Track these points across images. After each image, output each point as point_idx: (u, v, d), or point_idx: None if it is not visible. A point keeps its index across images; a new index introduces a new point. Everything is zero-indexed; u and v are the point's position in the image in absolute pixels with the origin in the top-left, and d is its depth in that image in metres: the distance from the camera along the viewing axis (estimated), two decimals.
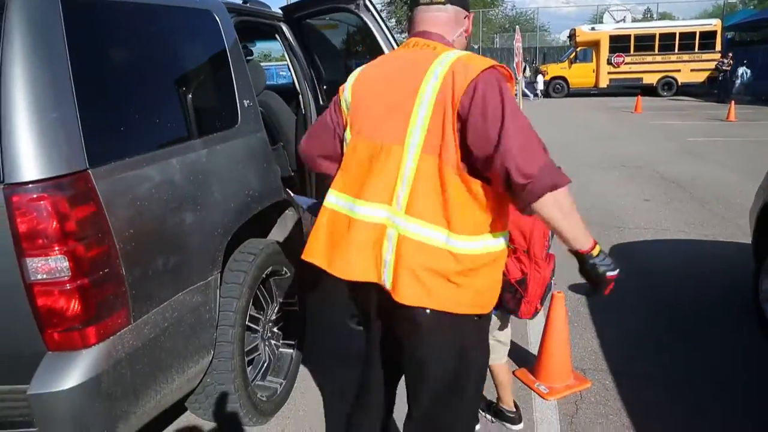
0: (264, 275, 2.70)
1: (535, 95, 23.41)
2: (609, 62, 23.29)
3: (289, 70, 4.05)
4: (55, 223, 1.66)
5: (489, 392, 2.63)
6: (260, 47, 10.39)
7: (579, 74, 23.89)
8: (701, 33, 22.71)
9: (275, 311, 2.95)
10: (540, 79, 23.93)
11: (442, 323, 1.60)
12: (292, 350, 3.04)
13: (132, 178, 1.94)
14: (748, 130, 12.57)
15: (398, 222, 1.55)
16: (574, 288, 4.18)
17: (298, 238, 3.18)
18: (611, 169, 8.63)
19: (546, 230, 2.32)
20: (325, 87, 4.02)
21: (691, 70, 22.72)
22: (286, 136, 3.98)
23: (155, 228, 2.04)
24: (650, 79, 23.11)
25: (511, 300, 2.38)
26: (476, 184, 1.52)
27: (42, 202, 1.64)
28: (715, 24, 23.21)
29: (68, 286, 1.70)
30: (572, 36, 25.42)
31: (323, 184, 3.21)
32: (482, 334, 1.81)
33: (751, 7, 36.17)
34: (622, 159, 9.41)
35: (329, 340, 3.56)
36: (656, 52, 22.99)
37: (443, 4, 1.70)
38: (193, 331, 2.24)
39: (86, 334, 1.76)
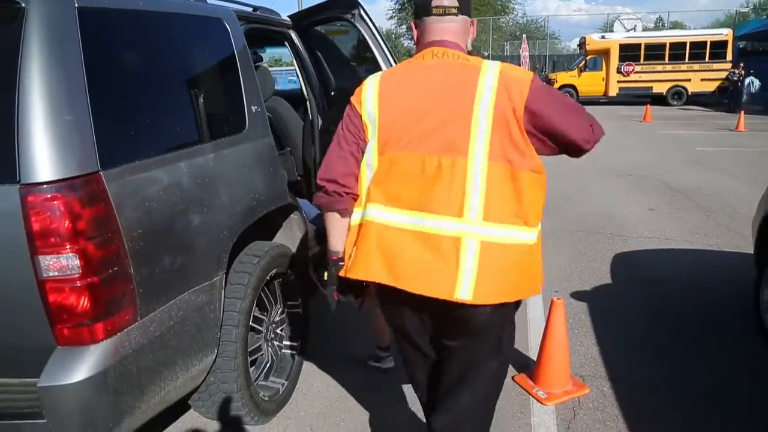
0: (268, 277, 2.76)
1: None
2: (619, 71, 23.23)
3: (297, 77, 4.12)
4: (67, 222, 1.73)
5: None
6: (270, 52, 10.49)
7: (589, 82, 23.85)
8: (712, 42, 22.62)
9: (279, 313, 3.01)
10: None
11: (499, 315, 1.74)
12: (294, 351, 3.10)
13: (142, 180, 2.01)
14: (757, 141, 12.53)
15: (477, 231, 1.61)
16: (576, 296, 4.22)
17: (304, 242, 3.25)
18: (617, 178, 8.64)
19: None
20: (333, 93, 4.08)
21: (702, 80, 22.62)
22: (294, 141, 4.05)
23: (163, 229, 2.10)
24: (660, 89, 23.04)
25: None
26: (544, 176, 1.70)
27: (55, 202, 1.71)
28: (726, 33, 23.11)
29: (79, 284, 1.77)
30: (582, 44, 25.38)
31: None
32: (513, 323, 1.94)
33: (764, 16, 35.98)
34: (628, 168, 9.42)
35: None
36: (666, 61, 22.93)
37: (456, 15, 1.76)
38: (197, 329, 2.30)
39: (95, 330, 1.82)
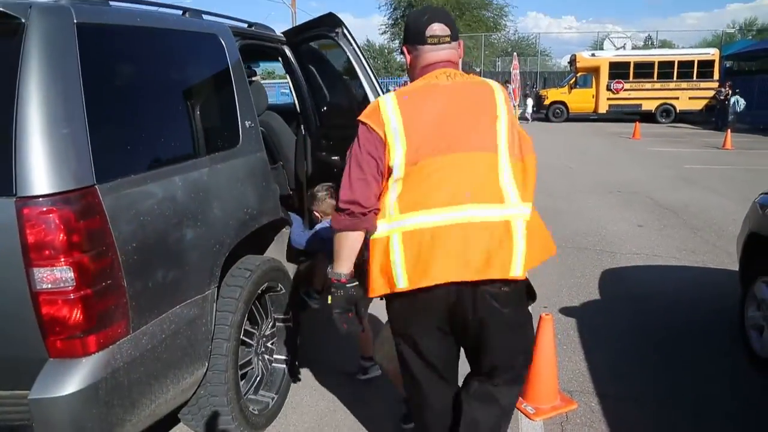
0: (259, 291, 2.78)
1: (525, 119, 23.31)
2: (608, 88, 23.53)
3: (291, 92, 4.17)
4: (62, 235, 1.74)
5: None
6: (264, 65, 10.57)
7: (579, 99, 24.12)
8: (700, 62, 23.01)
9: (269, 326, 3.02)
10: (529, 102, 24.04)
11: (521, 289, 1.93)
12: (284, 365, 3.11)
13: (136, 193, 2.03)
14: (743, 159, 12.72)
15: (521, 211, 1.85)
16: (565, 311, 4.26)
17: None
18: (606, 195, 8.74)
19: None
20: (324, 109, 4.13)
21: (690, 98, 22.97)
22: (286, 155, 4.08)
23: (156, 242, 2.12)
24: (649, 106, 23.35)
25: None
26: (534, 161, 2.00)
27: (51, 215, 1.73)
28: (713, 53, 23.52)
29: (72, 296, 1.78)
30: (573, 62, 25.69)
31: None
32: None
33: (750, 37, 36.69)
34: (617, 184, 9.53)
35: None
36: (655, 79, 23.27)
37: (449, 42, 1.97)
38: (189, 343, 2.31)
39: (87, 343, 1.83)
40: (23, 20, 1.80)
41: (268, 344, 3.03)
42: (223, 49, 2.82)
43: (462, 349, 2.05)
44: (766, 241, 3.50)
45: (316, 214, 3.39)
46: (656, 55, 24.82)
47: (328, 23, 3.70)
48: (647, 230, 6.66)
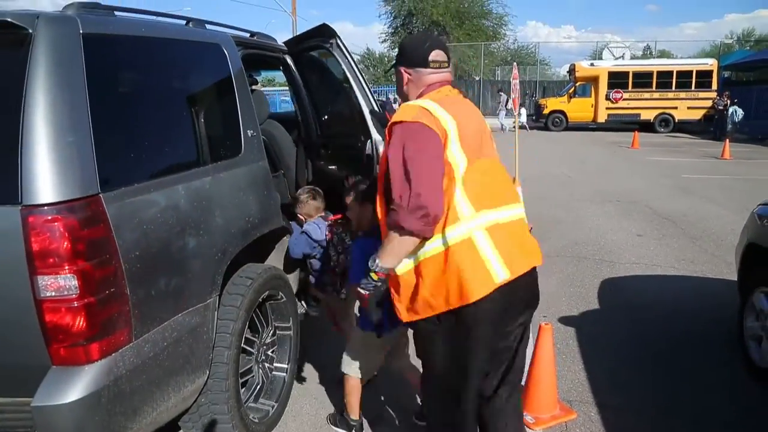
0: (260, 299, 2.79)
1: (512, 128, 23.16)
2: (607, 98, 23.61)
3: (292, 101, 4.20)
4: (66, 243, 1.76)
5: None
6: (265, 74, 10.66)
7: (578, 108, 24.19)
8: (698, 72, 23.11)
9: (270, 335, 3.03)
10: (523, 111, 23.96)
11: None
12: (284, 374, 3.11)
13: (140, 202, 2.05)
14: (742, 168, 12.76)
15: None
16: (564, 321, 4.27)
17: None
18: (605, 204, 8.76)
19: None
20: (325, 117, 4.16)
21: (688, 108, 23.04)
22: (287, 164, 4.10)
23: (159, 251, 2.14)
24: (648, 116, 23.42)
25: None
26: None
27: (56, 223, 1.75)
28: (711, 63, 23.63)
29: (76, 304, 1.79)
30: (572, 71, 25.78)
31: None
32: None
33: (747, 47, 36.83)
34: (617, 194, 9.55)
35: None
36: (654, 89, 23.36)
37: (447, 67, 2.18)
38: (190, 351, 2.32)
39: (90, 350, 1.84)
40: (30, 30, 1.82)
41: (269, 352, 3.04)
42: (226, 58, 2.84)
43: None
44: (764, 252, 3.51)
45: (301, 216, 3.40)
46: (655, 65, 24.93)
47: (324, 34, 3.74)
48: (646, 240, 6.68)
